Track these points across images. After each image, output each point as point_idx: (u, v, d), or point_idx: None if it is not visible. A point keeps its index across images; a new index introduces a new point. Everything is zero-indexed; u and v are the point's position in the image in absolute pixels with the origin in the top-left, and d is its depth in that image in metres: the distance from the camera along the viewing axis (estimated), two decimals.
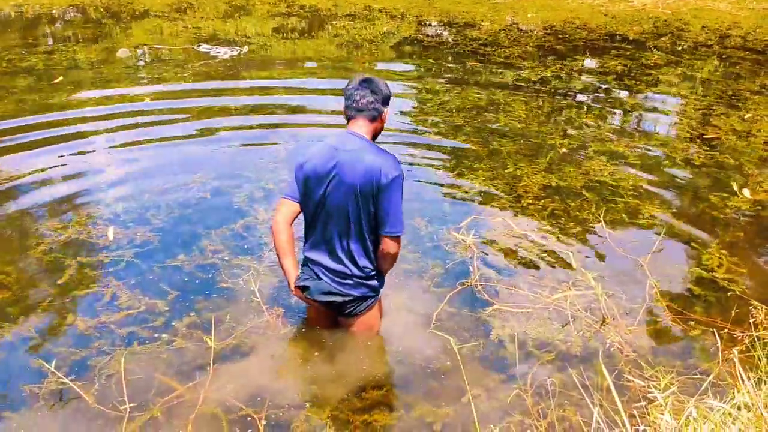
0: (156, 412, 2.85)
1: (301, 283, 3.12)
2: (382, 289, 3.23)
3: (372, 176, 2.85)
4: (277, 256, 3.11)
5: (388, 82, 3.10)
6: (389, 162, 2.91)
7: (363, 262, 3.06)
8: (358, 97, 2.96)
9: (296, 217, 3.08)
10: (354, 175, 2.86)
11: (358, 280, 3.10)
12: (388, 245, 3.02)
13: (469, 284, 3.86)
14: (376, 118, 3.00)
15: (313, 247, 3.11)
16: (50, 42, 10.14)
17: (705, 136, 6.37)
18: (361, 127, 2.98)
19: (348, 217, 2.96)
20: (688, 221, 4.73)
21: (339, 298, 3.12)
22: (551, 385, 3.03)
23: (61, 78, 7.95)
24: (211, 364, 3.10)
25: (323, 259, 3.08)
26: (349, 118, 3.02)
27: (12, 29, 11.39)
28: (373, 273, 3.12)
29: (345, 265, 3.06)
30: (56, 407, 2.88)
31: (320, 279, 3.11)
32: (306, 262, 3.18)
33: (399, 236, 3.01)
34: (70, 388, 2.93)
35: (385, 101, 3.01)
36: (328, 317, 3.33)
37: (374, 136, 3.05)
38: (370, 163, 2.86)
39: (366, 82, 2.98)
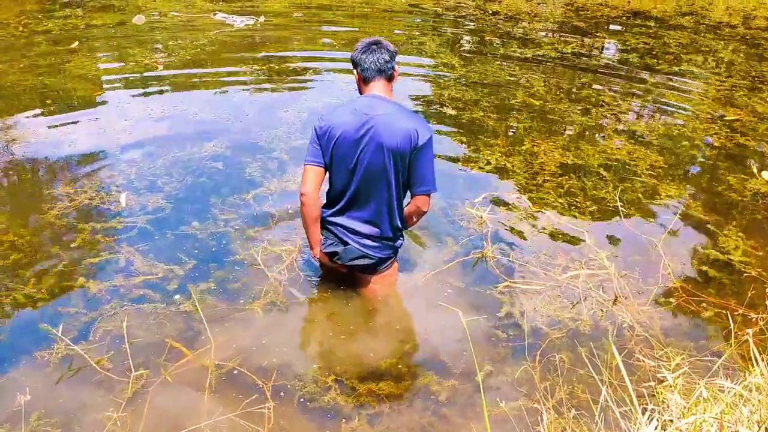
0: (165, 376, 2.87)
1: (329, 249, 3.24)
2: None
3: (410, 137, 2.96)
4: (305, 223, 3.24)
5: (406, 56, 3.19)
6: (423, 124, 3.05)
7: (396, 223, 3.21)
8: (374, 59, 3.05)
9: (322, 181, 3.14)
10: (392, 138, 2.96)
11: (387, 242, 3.26)
12: (423, 203, 3.17)
13: (482, 256, 3.84)
14: (392, 76, 3.12)
15: (340, 212, 3.20)
16: (67, 7, 10.10)
17: (726, 118, 6.25)
18: (383, 89, 3.09)
19: (387, 179, 3.05)
20: (706, 202, 4.67)
21: (368, 261, 3.25)
22: (560, 362, 3.01)
23: (77, 43, 7.93)
24: (208, 330, 3.10)
25: (353, 223, 3.20)
26: (368, 82, 3.09)
27: None
28: (401, 233, 3.30)
29: (379, 228, 3.19)
30: (65, 371, 2.89)
31: (348, 244, 3.22)
32: (328, 227, 3.25)
33: (430, 195, 3.17)
34: (76, 354, 2.95)
35: (395, 57, 3.12)
36: (347, 276, 3.45)
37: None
38: (406, 126, 2.97)
39: (376, 44, 3.08)
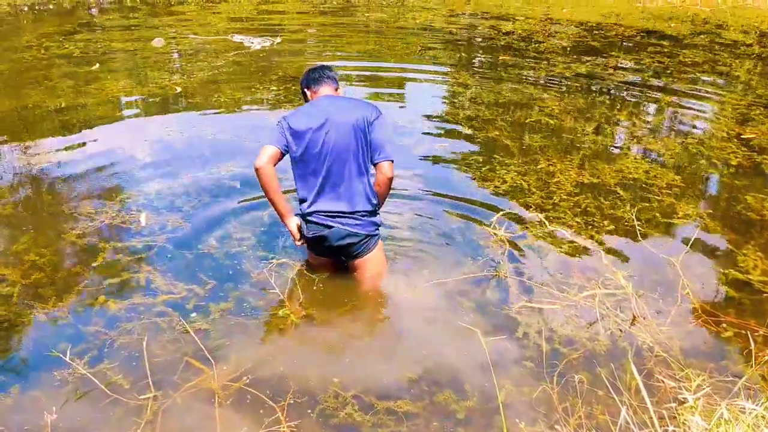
0: (183, 394, 2.88)
1: (315, 234, 3.47)
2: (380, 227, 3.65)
3: (364, 114, 3.37)
4: (269, 195, 3.46)
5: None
6: (370, 104, 3.48)
7: (370, 196, 3.46)
8: (319, 74, 3.58)
9: (277, 162, 3.42)
10: (349, 116, 3.35)
11: (368, 218, 3.50)
12: (387, 170, 3.42)
13: (498, 275, 3.84)
14: (337, 88, 3.61)
15: (318, 197, 3.44)
16: (87, 30, 10.28)
17: (742, 136, 6.23)
18: (330, 91, 3.56)
19: (356, 153, 3.37)
20: (724, 222, 4.64)
21: (354, 239, 3.49)
22: (579, 383, 3.00)
23: (97, 65, 8.07)
24: (224, 349, 3.11)
25: (333, 205, 3.43)
26: (317, 90, 3.56)
27: (50, 17, 11.58)
28: (376, 207, 3.54)
29: (356, 203, 3.43)
30: (84, 390, 2.91)
31: (332, 227, 3.44)
32: (309, 218, 3.47)
33: (392, 161, 3.43)
34: (97, 372, 2.98)
35: (335, 77, 3.64)
36: (331, 265, 3.73)
37: None
38: (358, 105, 3.44)
39: (319, 68, 3.63)
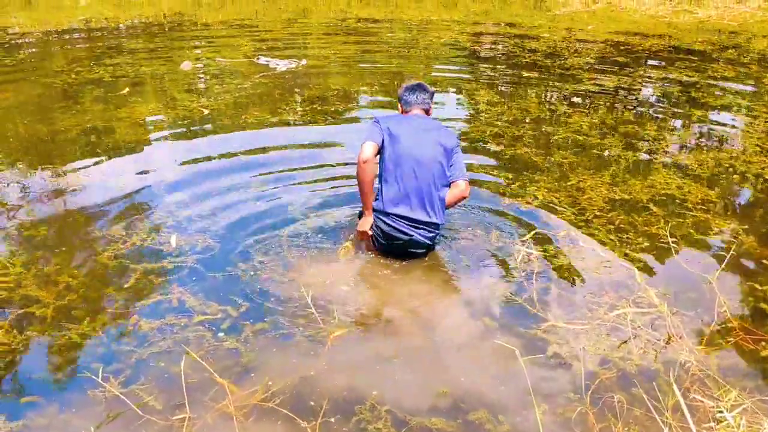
0: (212, 415, 2.87)
1: (392, 237, 3.96)
2: None
3: (448, 138, 3.95)
4: (365, 187, 3.87)
5: (444, 94, 3.60)
6: (451, 132, 4.09)
7: (443, 210, 3.98)
8: (415, 97, 4.08)
9: (377, 155, 3.89)
10: (438, 137, 3.91)
11: (438, 231, 4.05)
12: (464, 187, 3.99)
13: (530, 293, 3.79)
14: (428, 111, 4.12)
15: (400, 201, 3.90)
16: (116, 54, 10.48)
17: None
18: (420, 113, 4.09)
19: (440, 170, 3.90)
20: (760, 237, 4.54)
21: (425, 249, 4.07)
22: (618, 403, 2.93)
23: (127, 89, 8.21)
24: (255, 368, 3.10)
25: (414, 213, 3.90)
26: (407, 110, 4.09)
27: (80, 42, 11.84)
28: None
29: (434, 215, 3.93)
30: (117, 411, 2.91)
31: (412, 236, 3.93)
32: (386, 218, 3.93)
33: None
34: (130, 392, 2.98)
35: (432, 97, 4.16)
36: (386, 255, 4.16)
37: None
38: (443, 129, 4.03)
39: (418, 86, 4.11)
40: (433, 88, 4.12)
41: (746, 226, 4.67)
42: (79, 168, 5.64)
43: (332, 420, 2.87)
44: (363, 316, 3.67)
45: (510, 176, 5.51)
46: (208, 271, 4.02)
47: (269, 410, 2.91)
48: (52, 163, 5.70)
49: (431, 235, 3.99)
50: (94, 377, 2.98)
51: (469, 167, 5.59)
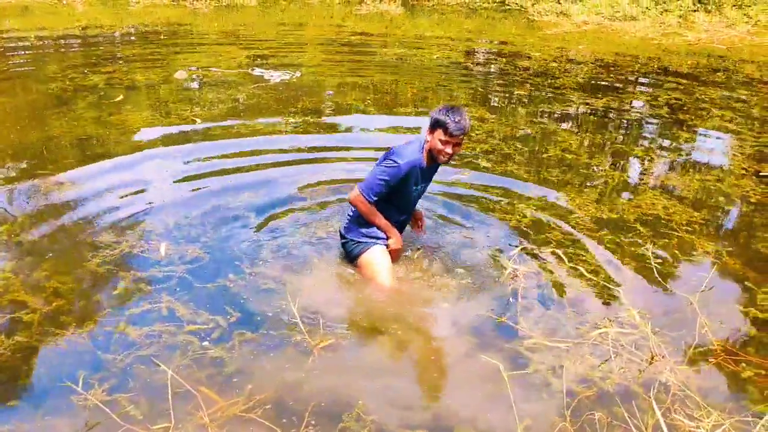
0: (193, 425, 2.88)
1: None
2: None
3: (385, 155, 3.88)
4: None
5: (437, 109, 3.46)
6: (393, 150, 3.83)
7: (350, 220, 4.11)
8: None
9: None
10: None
11: (343, 239, 4.20)
12: (350, 192, 4.00)
13: (514, 309, 3.83)
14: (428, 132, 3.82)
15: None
16: (111, 62, 10.51)
17: (761, 174, 6.21)
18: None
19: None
20: (743, 260, 4.60)
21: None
22: (599, 421, 2.97)
23: (121, 97, 8.23)
24: (240, 378, 3.12)
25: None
26: None
27: (76, 48, 11.86)
28: (352, 221, 4.11)
29: (343, 226, 4.19)
30: (97, 419, 2.91)
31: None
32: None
33: (358, 190, 3.90)
34: (113, 400, 3.00)
35: (432, 125, 3.75)
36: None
37: (429, 151, 3.83)
38: (394, 148, 3.88)
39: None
40: (436, 115, 3.73)
41: (730, 248, 4.74)
42: (71, 174, 5.65)
43: (315, 430, 2.89)
44: (349, 329, 3.70)
45: (500, 192, 5.57)
46: (198, 280, 4.03)
47: (250, 420, 2.93)
48: (43, 169, 5.71)
49: (342, 242, 4.21)
50: (74, 386, 2.99)
51: (459, 183, 5.65)
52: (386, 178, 3.78)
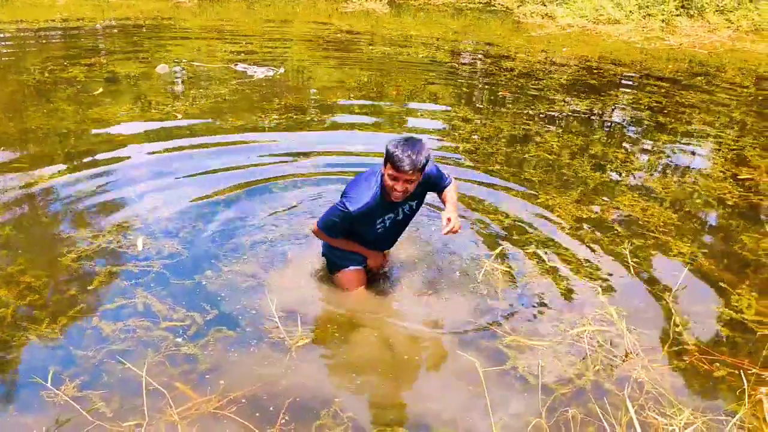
0: (165, 422, 2.86)
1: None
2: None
3: None
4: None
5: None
6: (348, 189, 3.56)
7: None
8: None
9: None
10: None
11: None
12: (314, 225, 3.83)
13: (493, 307, 3.85)
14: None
15: None
16: (92, 54, 10.40)
17: (739, 177, 6.28)
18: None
19: None
20: (719, 261, 4.65)
21: None
22: (572, 418, 2.98)
23: (100, 90, 8.15)
24: (214, 374, 3.10)
25: None
26: None
27: (56, 41, 11.72)
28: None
29: None
30: (69, 416, 2.88)
31: None
32: None
33: (316, 225, 3.73)
34: (84, 396, 2.96)
35: (384, 158, 3.37)
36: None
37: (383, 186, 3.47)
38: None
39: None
40: (389, 149, 3.34)
41: (705, 249, 4.78)
42: (48, 167, 5.58)
43: (291, 427, 2.88)
44: (327, 327, 3.69)
45: (483, 192, 5.57)
46: (175, 276, 4.01)
47: (222, 417, 2.91)
48: (20, 162, 5.64)
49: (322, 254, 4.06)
50: (43, 382, 2.95)
51: None
52: (337, 220, 3.56)
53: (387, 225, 3.70)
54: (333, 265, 3.97)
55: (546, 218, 5.11)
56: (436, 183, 3.73)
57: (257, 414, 2.95)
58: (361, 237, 3.75)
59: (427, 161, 3.35)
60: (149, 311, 3.64)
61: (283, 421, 2.91)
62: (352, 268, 3.90)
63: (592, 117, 8.40)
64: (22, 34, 12.29)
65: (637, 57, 12.65)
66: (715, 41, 14.19)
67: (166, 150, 6.21)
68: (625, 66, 11.70)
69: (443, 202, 3.81)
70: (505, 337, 3.60)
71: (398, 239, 3.98)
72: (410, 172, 3.25)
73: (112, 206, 4.92)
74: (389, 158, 3.28)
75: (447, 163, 6.22)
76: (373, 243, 3.84)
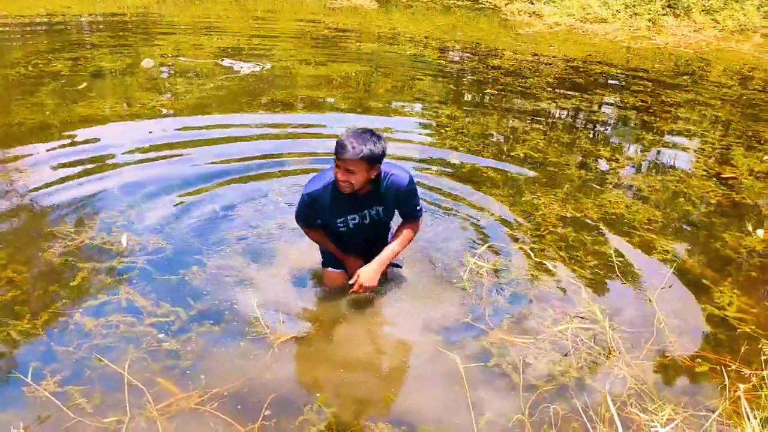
0: (145, 418, 2.84)
1: None
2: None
3: None
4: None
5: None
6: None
7: None
8: None
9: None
10: None
11: None
12: None
13: (476, 305, 3.85)
14: None
15: None
16: (76, 48, 10.31)
17: (722, 176, 6.33)
18: None
19: None
20: (701, 258, 4.69)
21: None
22: (554, 414, 3.00)
23: (85, 84, 8.08)
24: (197, 369, 3.09)
25: None
26: None
27: (40, 34, 11.62)
28: None
29: None
30: (49, 412, 2.87)
31: None
32: None
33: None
34: (65, 392, 2.94)
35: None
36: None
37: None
38: None
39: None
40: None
41: (689, 247, 4.82)
42: (31, 162, 5.53)
43: (273, 423, 2.87)
44: (310, 324, 3.68)
45: (467, 190, 5.58)
46: (159, 271, 3.98)
47: (204, 413, 2.90)
48: (2, 157, 5.59)
49: None
50: (24, 378, 2.92)
51: (427, 180, 5.66)
52: (301, 206, 3.56)
53: (350, 226, 3.57)
54: (323, 258, 3.97)
55: (531, 215, 5.13)
56: (405, 199, 3.53)
57: (239, 409, 2.94)
58: (333, 234, 3.71)
59: (378, 156, 3.24)
60: (132, 307, 3.62)
61: (265, 416, 2.90)
62: (331, 269, 3.91)
63: (579, 115, 8.43)
64: (5, 29, 12.16)
65: (623, 56, 12.72)
66: (701, 41, 14.29)
67: (151, 145, 6.17)
68: (611, 65, 11.76)
69: (393, 235, 3.72)
70: (489, 334, 3.61)
71: (373, 250, 3.66)
72: (349, 159, 3.17)
73: (96, 202, 4.88)
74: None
75: (433, 161, 6.23)
76: (344, 245, 3.76)
